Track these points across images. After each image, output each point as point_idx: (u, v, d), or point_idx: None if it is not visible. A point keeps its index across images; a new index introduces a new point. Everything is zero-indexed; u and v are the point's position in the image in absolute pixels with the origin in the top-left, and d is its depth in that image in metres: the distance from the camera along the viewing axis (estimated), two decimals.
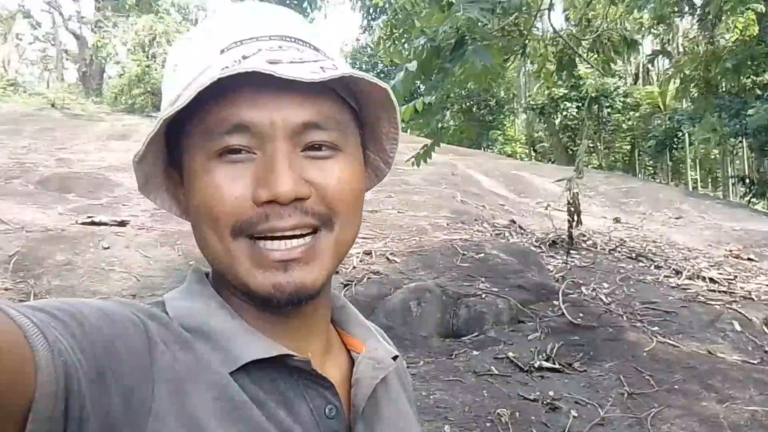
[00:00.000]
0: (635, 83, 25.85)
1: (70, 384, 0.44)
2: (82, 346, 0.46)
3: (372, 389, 0.63)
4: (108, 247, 5.58)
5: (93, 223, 6.26)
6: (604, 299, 5.39)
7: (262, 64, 0.51)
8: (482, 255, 6.05)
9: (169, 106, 0.55)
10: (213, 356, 0.56)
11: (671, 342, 4.55)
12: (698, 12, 14.00)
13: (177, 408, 0.51)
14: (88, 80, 24.76)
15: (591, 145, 21.35)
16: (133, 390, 0.49)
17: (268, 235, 0.56)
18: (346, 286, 5.13)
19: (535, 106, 22.56)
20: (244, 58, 0.54)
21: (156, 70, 19.21)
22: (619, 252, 7.09)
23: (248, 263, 0.56)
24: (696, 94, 18.57)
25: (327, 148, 0.58)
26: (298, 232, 0.56)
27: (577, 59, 5.44)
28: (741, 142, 18.06)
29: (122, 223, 6.46)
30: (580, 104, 20.73)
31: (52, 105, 18.70)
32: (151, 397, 0.50)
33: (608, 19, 7.12)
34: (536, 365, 4.04)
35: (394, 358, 0.70)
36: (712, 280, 6.09)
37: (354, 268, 5.56)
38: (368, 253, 5.97)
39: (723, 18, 13.68)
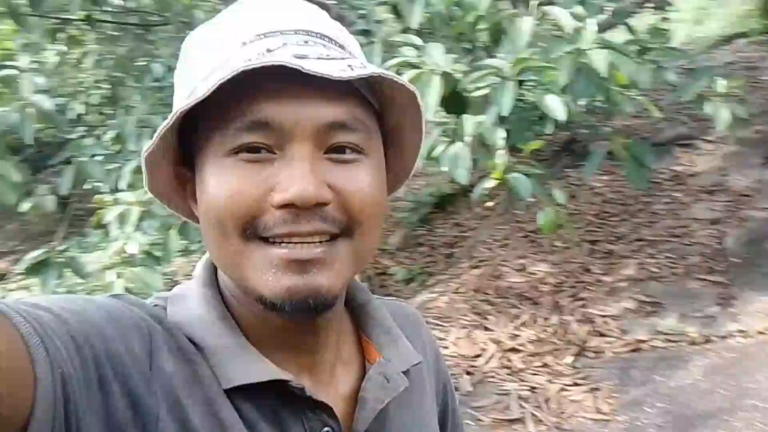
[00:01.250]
0: None
1: (68, 393, 0.43)
2: (82, 350, 0.45)
3: (376, 413, 0.60)
4: None
5: None
6: None
7: (288, 58, 0.48)
8: None
9: (185, 99, 0.51)
10: (208, 371, 0.54)
11: None
12: None
13: (177, 420, 0.50)
14: None
15: None
16: (139, 395, 0.48)
17: (285, 240, 0.52)
18: None
19: None
20: (269, 51, 0.51)
21: None
22: None
23: (260, 265, 0.52)
24: None
25: (351, 151, 0.55)
26: (317, 239, 0.53)
27: None
28: None
29: None
30: None
31: None
32: (156, 404, 0.49)
33: None
34: None
35: (417, 363, 0.67)
36: None
37: None
38: None
39: None
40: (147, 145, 0.53)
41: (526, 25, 2.79)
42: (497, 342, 3.65)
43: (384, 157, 0.62)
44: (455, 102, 2.87)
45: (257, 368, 0.54)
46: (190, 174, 0.58)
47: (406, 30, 4.19)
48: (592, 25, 2.64)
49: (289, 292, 0.52)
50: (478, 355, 3.54)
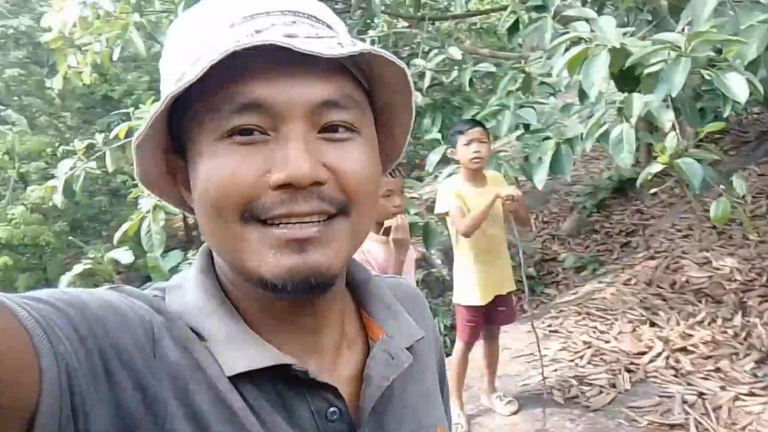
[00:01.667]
0: None
1: (74, 385, 0.43)
2: (85, 341, 0.45)
3: (382, 390, 0.60)
4: None
5: None
6: None
7: (279, 38, 0.48)
8: None
9: (174, 84, 0.50)
10: (210, 359, 0.53)
11: None
12: None
13: (184, 407, 0.50)
14: None
15: None
16: (145, 383, 0.48)
17: (283, 221, 0.51)
18: None
19: None
20: (257, 32, 0.50)
21: None
22: None
23: (259, 246, 0.52)
24: None
25: (345, 129, 0.54)
26: (315, 218, 0.52)
27: None
28: None
29: None
30: None
31: None
32: (163, 392, 0.49)
33: None
34: None
35: (420, 339, 0.67)
36: None
37: None
38: None
39: None
40: (136, 133, 0.53)
41: None
42: (666, 340, 3.38)
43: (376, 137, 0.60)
44: (627, 79, 2.66)
45: (259, 354, 0.54)
46: (181, 162, 0.57)
47: (584, 3, 3.97)
48: None
49: (290, 272, 0.51)
50: (643, 353, 3.31)
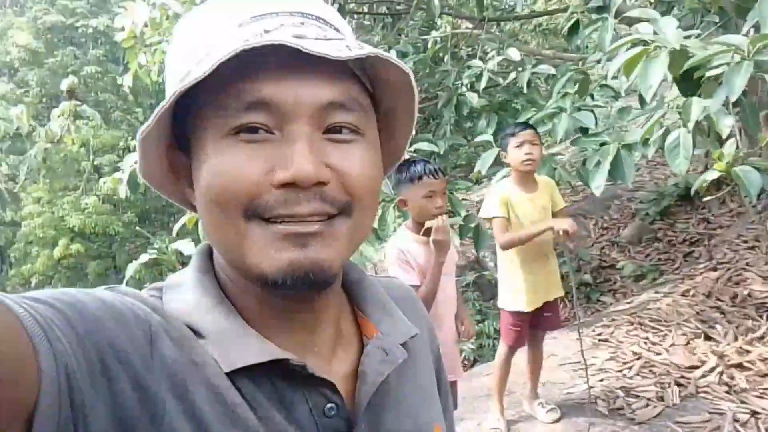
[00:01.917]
0: None
1: (73, 384, 0.43)
2: (83, 341, 0.46)
3: (377, 386, 0.60)
4: None
5: None
6: None
7: (288, 38, 0.48)
8: None
9: (179, 82, 0.51)
10: (208, 356, 0.54)
11: None
12: None
13: (182, 405, 0.50)
14: None
15: None
16: (143, 382, 0.49)
17: (285, 220, 0.52)
18: None
19: None
20: (266, 32, 0.51)
21: None
22: None
23: (261, 241, 0.52)
24: None
25: (349, 131, 0.55)
26: (316, 219, 0.53)
27: None
28: None
29: None
30: None
31: None
32: (161, 391, 0.50)
33: None
34: None
35: (413, 337, 0.67)
36: None
37: None
38: None
39: None
40: (142, 127, 0.53)
41: None
42: (721, 355, 3.24)
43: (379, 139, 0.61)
44: (688, 82, 2.58)
45: (257, 349, 0.55)
46: (185, 158, 0.58)
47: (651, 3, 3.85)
48: None
49: (291, 266, 0.52)
50: (695, 367, 3.18)
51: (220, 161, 0.53)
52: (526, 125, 2.91)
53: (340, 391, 0.58)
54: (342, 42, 0.52)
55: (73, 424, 0.43)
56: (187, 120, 0.56)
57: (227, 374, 0.54)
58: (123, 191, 3.80)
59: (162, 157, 0.59)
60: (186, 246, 3.27)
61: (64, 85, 4.81)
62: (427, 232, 2.31)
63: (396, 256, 2.34)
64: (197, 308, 0.57)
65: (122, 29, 4.66)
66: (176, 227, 3.39)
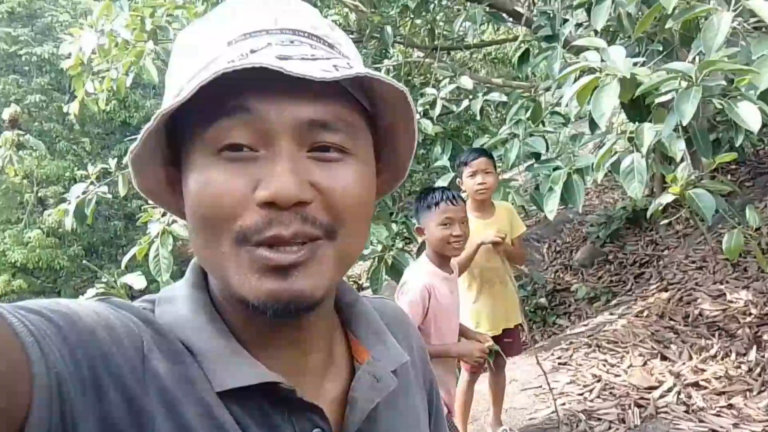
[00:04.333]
0: None
1: (64, 394, 0.43)
2: (75, 352, 0.45)
3: (366, 413, 0.60)
4: None
5: None
6: None
7: (270, 60, 0.48)
8: None
9: (172, 99, 0.51)
10: (199, 373, 0.53)
11: None
12: None
13: (172, 420, 0.50)
14: None
15: None
16: (133, 395, 0.48)
17: (268, 244, 0.51)
18: None
19: None
20: (252, 52, 0.51)
21: None
22: None
23: (243, 268, 0.52)
24: None
25: (335, 150, 0.54)
26: (299, 242, 0.52)
27: None
28: None
29: None
30: None
31: None
32: (151, 405, 0.49)
33: None
34: None
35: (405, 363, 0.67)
36: None
37: None
38: None
39: None
40: (131, 147, 0.54)
41: (723, 22, 2.48)
42: (677, 375, 3.30)
43: (375, 157, 0.60)
44: (637, 109, 2.65)
45: (248, 371, 0.54)
46: (178, 174, 0.58)
47: (596, 33, 3.97)
48: None
49: (271, 296, 0.51)
50: (654, 387, 3.23)
51: (204, 179, 0.52)
52: (480, 153, 2.94)
53: (327, 416, 0.57)
54: (330, 61, 0.52)
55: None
56: (179, 136, 0.56)
57: (217, 393, 0.53)
58: (69, 223, 3.68)
59: (159, 171, 0.58)
60: (135, 280, 3.17)
61: (6, 114, 4.65)
62: (443, 262, 2.33)
63: (420, 295, 2.21)
64: (189, 325, 0.56)
65: (69, 56, 4.56)
66: (125, 260, 3.30)
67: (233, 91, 0.51)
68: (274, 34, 0.54)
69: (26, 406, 0.41)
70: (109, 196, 3.82)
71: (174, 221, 3.22)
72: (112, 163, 3.78)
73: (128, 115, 11.89)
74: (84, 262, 10.18)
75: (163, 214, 3.26)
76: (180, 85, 0.55)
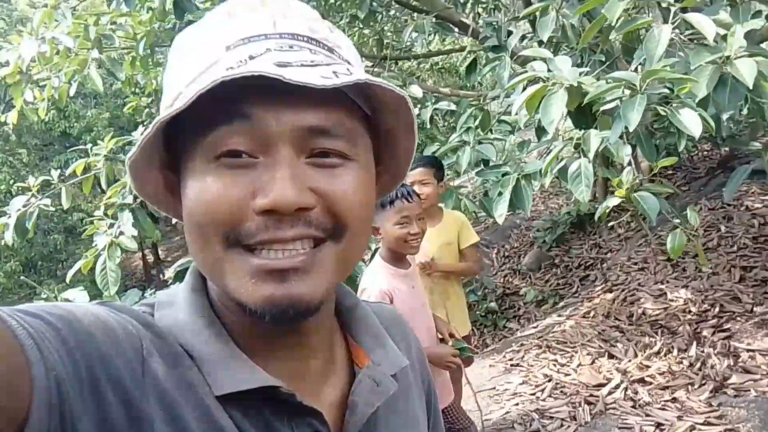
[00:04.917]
0: None
1: (63, 396, 0.43)
2: (74, 354, 0.45)
3: (366, 417, 0.60)
4: None
5: None
6: None
7: (268, 67, 0.47)
8: None
9: (170, 104, 0.51)
10: (199, 377, 0.53)
11: None
12: None
13: (171, 424, 0.50)
14: None
15: None
16: (132, 399, 0.48)
17: (266, 247, 0.51)
18: None
19: None
20: (251, 58, 0.50)
21: None
22: None
23: (240, 273, 0.51)
24: None
25: (335, 156, 0.53)
26: (299, 245, 0.51)
27: None
28: None
29: None
30: None
31: None
32: (150, 408, 0.49)
33: None
34: None
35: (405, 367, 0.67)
36: None
37: None
38: None
39: None
40: (129, 153, 0.53)
41: (663, 33, 2.60)
42: (624, 372, 3.42)
43: (374, 161, 0.60)
44: (583, 116, 2.75)
45: (247, 375, 0.54)
46: (176, 178, 0.57)
47: (540, 43, 4.09)
48: (739, 32, 2.42)
49: (268, 301, 0.51)
50: (602, 385, 3.33)
51: (202, 186, 0.52)
52: (420, 163, 2.92)
53: (327, 421, 0.57)
54: (329, 68, 0.51)
55: None
56: (178, 141, 0.55)
57: (216, 397, 0.53)
58: (9, 237, 3.55)
59: (157, 176, 0.58)
60: (77, 294, 3.08)
61: None
62: (398, 260, 2.27)
63: (380, 300, 2.13)
64: (188, 329, 0.56)
65: (6, 64, 4.41)
66: (70, 273, 3.20)
67: (232, 98, 0.50)
68: (273, 39, 0.53)
69: (26, 407, 0.41)
70: (52, 209, 3.70)
71: (121, 233, 3.15)
72: (54, 174, 3.66)
73: (68, 125, 11.48)
74: (22, 278, 9.80)
75: (110, 227, 3.19)
76: (178, 88, 0.54)
